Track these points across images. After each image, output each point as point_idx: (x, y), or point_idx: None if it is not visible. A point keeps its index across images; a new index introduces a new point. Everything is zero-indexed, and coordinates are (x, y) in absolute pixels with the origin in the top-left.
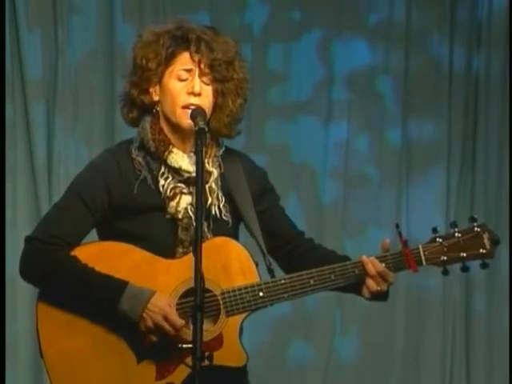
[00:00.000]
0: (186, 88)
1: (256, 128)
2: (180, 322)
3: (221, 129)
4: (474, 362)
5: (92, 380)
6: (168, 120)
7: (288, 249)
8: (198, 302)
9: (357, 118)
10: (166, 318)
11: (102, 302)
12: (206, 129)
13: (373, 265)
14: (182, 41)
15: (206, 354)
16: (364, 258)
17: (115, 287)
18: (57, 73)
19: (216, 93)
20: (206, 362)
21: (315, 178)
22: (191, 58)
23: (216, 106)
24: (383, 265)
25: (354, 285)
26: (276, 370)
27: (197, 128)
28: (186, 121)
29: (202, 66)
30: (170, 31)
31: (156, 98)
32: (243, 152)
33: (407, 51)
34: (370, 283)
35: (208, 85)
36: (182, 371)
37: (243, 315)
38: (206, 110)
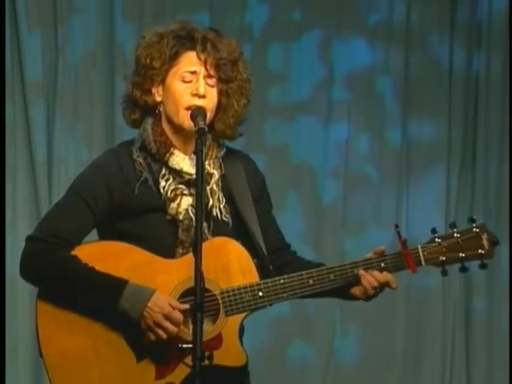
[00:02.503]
0: (190, 89)
1: (256, 128)
2: (181, 319)
3: (226, 130)
4: (473, 362)
5: (91, 379)
6: (170, 121)
7: (272, 258)
8: (198, 301)
9: (357, 118)
10: (166, 317)
11: (102, 301)
12: (206, 129)
13: (374, 277)
14: (186, 40)
15: (207, 353)
16: (362, 272)
17: (115, 285)
18: (57, 73)
19: (220, 94)
20: (206, 362)
21: (315, 178)
22: (197, 57)
23: (220, 107)
24: (382, 264)
25: (349, 286)
26: (276, 369)
27: (196, 128)
28: (188, 122)
29: (208, 65)
30: (173, 31)
31: (159, 99)
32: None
33: (407, 51)
34: (369, 289)
35: (212, 87)
36: (182, 371)
37: (243, 315)
38: (210, 112)
